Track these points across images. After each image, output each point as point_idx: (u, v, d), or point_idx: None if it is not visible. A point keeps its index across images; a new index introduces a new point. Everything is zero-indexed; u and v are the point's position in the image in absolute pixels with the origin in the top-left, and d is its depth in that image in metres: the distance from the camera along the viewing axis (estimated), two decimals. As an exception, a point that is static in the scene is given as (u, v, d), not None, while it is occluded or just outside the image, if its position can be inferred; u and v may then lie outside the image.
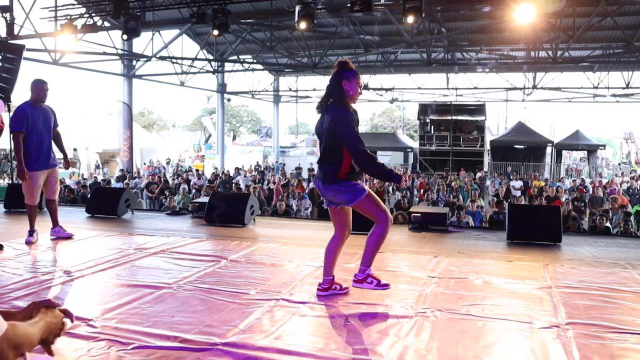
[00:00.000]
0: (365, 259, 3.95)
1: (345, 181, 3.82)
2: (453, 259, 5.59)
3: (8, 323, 1.31)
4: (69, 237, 6.57)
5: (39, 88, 6.20)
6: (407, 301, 4.02)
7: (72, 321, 1.65)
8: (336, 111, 3.81)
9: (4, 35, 14.31)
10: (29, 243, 6.16)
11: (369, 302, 3.96)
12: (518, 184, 18.95)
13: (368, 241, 3.93)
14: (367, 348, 3.13)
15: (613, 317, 3.74)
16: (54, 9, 15.80)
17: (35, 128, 6.14)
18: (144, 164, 26.46)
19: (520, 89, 27.44)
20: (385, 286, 3.98)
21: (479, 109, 29.12)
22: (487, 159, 28.66)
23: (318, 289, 4.13)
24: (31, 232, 6.29)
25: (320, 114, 3.98)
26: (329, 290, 4.12)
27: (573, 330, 3.46)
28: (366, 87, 28.33)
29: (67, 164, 6.77)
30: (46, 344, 1.58)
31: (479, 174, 22.81)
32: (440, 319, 3.65)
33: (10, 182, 12.63)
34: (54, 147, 6.50)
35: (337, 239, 4.06)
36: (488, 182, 20.34)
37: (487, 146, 28.91)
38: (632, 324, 3.61)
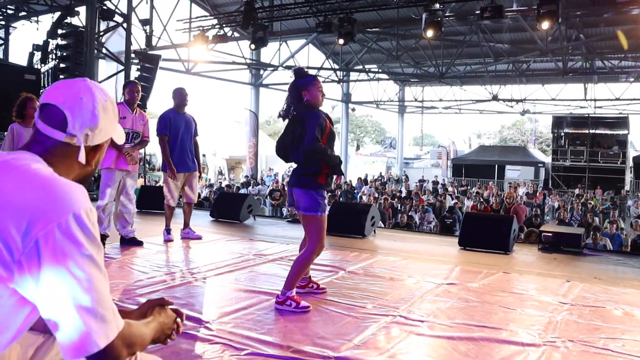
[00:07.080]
0: (287, 282, 3.98)
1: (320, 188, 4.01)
2: (588, 285, 5.18)
3: (124, 321, 1.34)
4: (198, 238, 6.95)
5: (180, 95, 6.70)
6: (535, 328, 3.74)
7: (182, 321, 1.67)
8: (306, 114, 3.86)
9: (143, 46, 15.42)
10: (168, 241, 6.64)
11: (491, 326, 3.73)
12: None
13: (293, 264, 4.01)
14: (489, 375, 2.95)
15: None
16: (188, 21, 16.89)
17: (178, 132, 6.60)
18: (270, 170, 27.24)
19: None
20: (305, 308, 3.91)
21: (621, 122, 27.26)
22: (629, 176, 26.68)
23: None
24: (168, 230, 6.76)
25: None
26: (305, 287, 4.39)
27: None
28: (495, 98, 27.41)
29: (200, 172, 7.18)
30: (158, 343, 1.60)
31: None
32: (572, 350, 3.34)
33: (143, 184, 13.50)
34: None
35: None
36: (630, 202, 18.89)
37: (630, 163, 26.92)
38: None
